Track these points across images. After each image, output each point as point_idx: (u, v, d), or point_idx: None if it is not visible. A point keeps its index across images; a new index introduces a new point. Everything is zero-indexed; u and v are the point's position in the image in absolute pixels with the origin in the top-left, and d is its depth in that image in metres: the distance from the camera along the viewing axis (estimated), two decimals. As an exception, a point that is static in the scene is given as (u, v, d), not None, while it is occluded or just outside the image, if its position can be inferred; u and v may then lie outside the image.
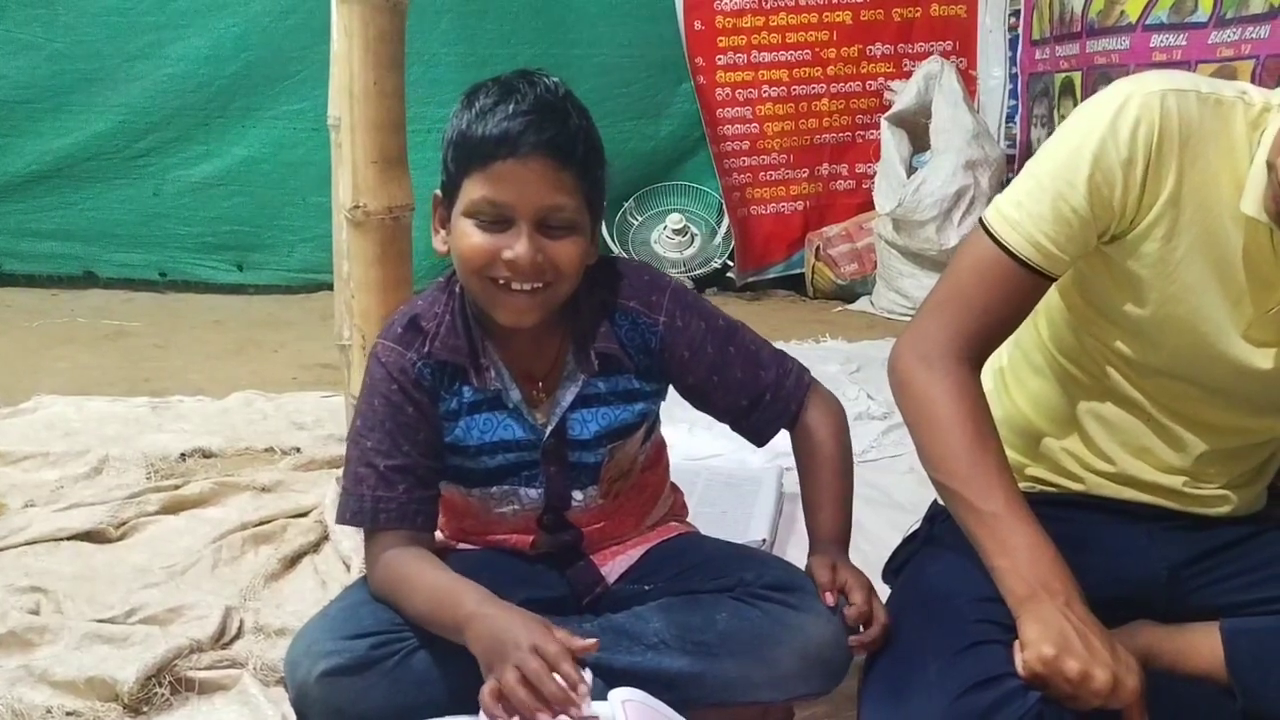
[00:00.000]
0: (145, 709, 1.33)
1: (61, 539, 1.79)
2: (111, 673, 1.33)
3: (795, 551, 1.81)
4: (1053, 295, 1.21)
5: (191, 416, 2.53)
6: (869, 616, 1.19)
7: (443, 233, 1.21)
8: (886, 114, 4.05)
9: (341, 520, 1.24)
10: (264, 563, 1.73)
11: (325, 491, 1.93)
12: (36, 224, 4.11)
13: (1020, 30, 4.04)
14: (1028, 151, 3.96)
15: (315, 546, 1.81)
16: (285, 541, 1.81)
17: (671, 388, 1.34)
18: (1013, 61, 4.11)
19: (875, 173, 4.11)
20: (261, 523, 1.86)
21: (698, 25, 4.14)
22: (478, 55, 4.00)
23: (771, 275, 4.40)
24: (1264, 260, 1.09)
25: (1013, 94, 4.13)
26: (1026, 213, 1.11)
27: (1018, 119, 4.10)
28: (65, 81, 3.97)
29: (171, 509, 1.93)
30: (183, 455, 2.23)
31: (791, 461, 2.09)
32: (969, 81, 4.15)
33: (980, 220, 1.16)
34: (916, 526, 1.43)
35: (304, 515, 1.90)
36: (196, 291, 4.20)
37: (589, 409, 1.26)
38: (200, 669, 1.39)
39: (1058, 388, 1.26)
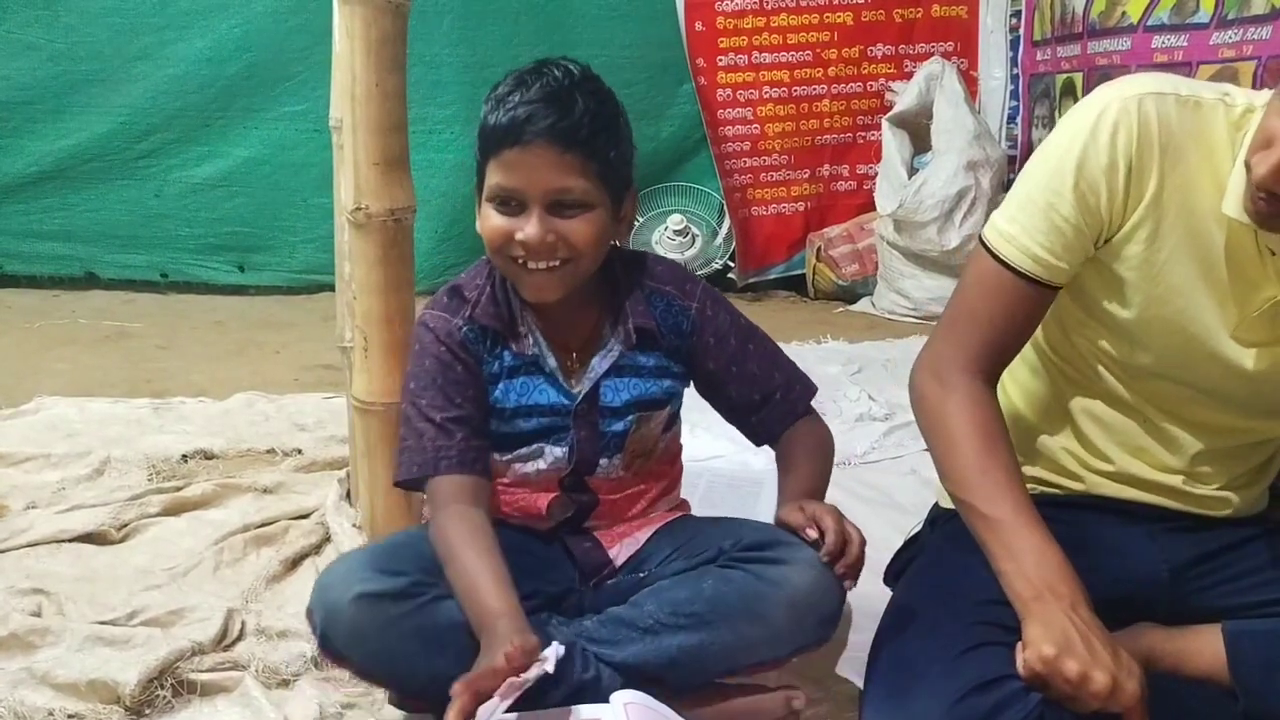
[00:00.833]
0: (147, 711, 1.33)
1: (63, 541, 1.79)
2: (113, 675, 1.33)
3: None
4: None
5: (193, 418, 2.53)
6: (844, 543, 1.21)
7: (480, 214, 1.30)
8: (888, 115, 4.05)
9: (407, 475, 1.29)
10: (266, 564, 1.73)
11: (327, 493, 1.93)
12: (38, 225, 4.10)
13: (1021, 31, 4.04)
14: (1029, 152, 3.96)
15: (317, 548, 1.81)
16: (287, 543, 1.81)
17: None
18: (1014, 62, 4.11)
19: (876, 173, 4.11)
20: (263, 524, 1.86)
21: (699, 26, 4.14)
22: (479, 57, 4.00)
23: (772, 276, 4.40)
24: (1248, 261, 1.10)
25: (1014, 95, 4.13)
26: (1021, 227, 1.14)
27: (1019, 120, 4.10)
28: (66, 82, 3.97)
29: (173, 510, 1.93)
30: (184, 457, 2.23)
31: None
32: (970, 82, 4.15)
33: (979, 238, 1.19)
34: (917, 529, 1.43)
35: (306, 517, 1.90)
36: (198, 292, 4.19)
37: (621, 378, 1.34)
38: (202, 671, 1.39)
39: (1053, 388, 1.27)
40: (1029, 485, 1.26)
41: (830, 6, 4.20)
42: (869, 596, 1.56)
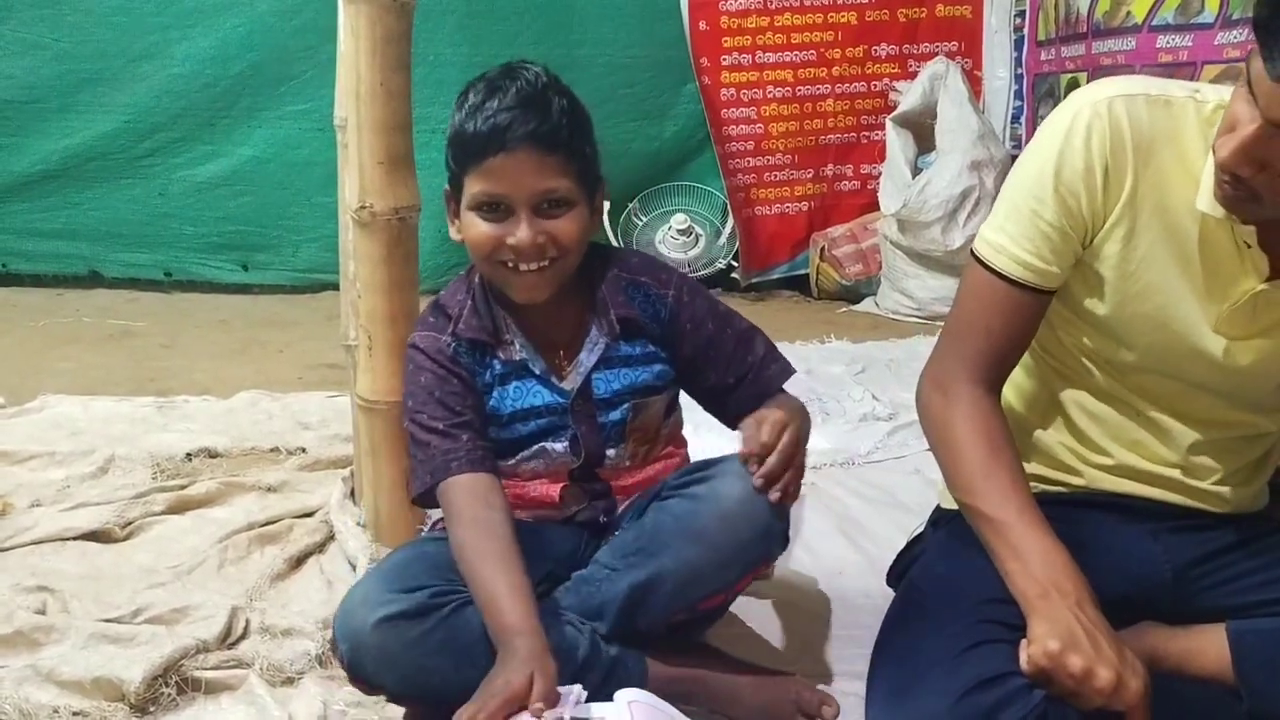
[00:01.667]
0: (151, 709, 1.33)
1: (68, 539, 1.79)
2: (118, 673, 1.34)
3: (801, 553, 1.81)
4: None
5: (197, 416, 2.54)
6: (766, 448, 1.22)
7: (456, 223, 1.31)
8: (891, 115, 4.04)
9: (422, 486, 1.30)
10: (270, 563, 1.73)
11: (331, 491, 1.93)
12: (42, 224, 4.10)
13: (1026, 31, 4.03)
14: (1033, 152, 3.96)
15: (321, 546, 1.81)
16: (291, 541, 1.81)
17: None
18: (1018, 62, 4.11)
19: (880, 173, 4.11)
20: (267, 523, 1.86)
21: (702, 26, 4.14)
22: (483, 56, 3.99)
23: (776, 276, 4.40)
24: (1225, 255, 1.12)
25: (1018, 95, 4.12)
26: (1009, 236, 1.16)
27: (1023, 120, 4.09)
28: (71, 81, 3.97)
29: (177, 509, 1.93)
30: (188, 455, 2.23)
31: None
32: (974, 82, 4.14)
33: (971, 250, 1.21)
34: (920, 529, 1.43)
35: (310, 515, 1.90)
36: (202, 291, 4.19)
37: (611, 370, 1.36)
38: (206, 669, 1.39)
39: (1045, 384, 1.29)
40: (1029, 482, 1.26)
41: (834, 6, 4.20)
42: (871, 596, 1.56)
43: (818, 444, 1.79)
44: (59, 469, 2.13)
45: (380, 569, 1.28)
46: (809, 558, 1.79)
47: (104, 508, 1.89)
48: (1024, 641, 1.05)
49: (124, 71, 3.98)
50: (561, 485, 1.39)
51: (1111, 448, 1.25)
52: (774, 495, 1.22)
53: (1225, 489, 1.24)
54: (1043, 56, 3.93)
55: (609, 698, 1.13)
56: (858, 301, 4.13)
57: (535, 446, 1.35)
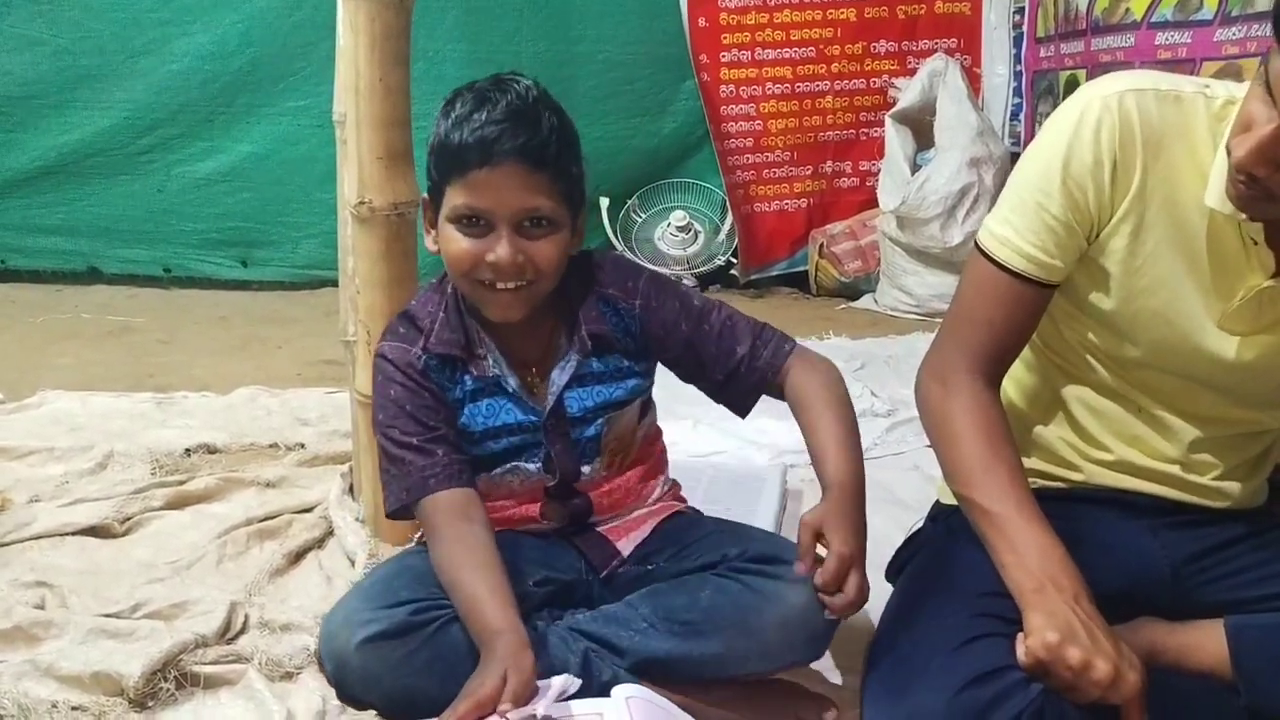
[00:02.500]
0: (150, 704, 1.33)
1: (67, 534, 1.79)
2: (117, 667, 1.33)
3: (799, 548, 1.81)
4: None
5: (196, 412, 2.54)
6: (839, 582, 1.13)
7: (433, 233, 1.28)
8: (891, 111, 4.04)
9: (398, 503, 1.27)
10: (269, 558, 1.73)
11: (329, 487, 1.93)
12: (41, 220, 4.10)
13: (1025, 28, 4.03)
14: (1032, 149, 3.96)
15: (320, 542, 1.81)
16: (290, 537, 1.81)
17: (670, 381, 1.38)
18: (1017, 59, 4.10)
19: (879, 170, 4.11)
20: (266, 518, 1.86)
21: (702, 22, 4.13)
22: (482, 52, 4.00)
23: (775, 272, 4.40)
24: (1231, 251, 1.11)
25: (1017, 91, 4.12)
26: (1013, 229, 1.16)
27: (1022, 116, 4.09)
28: (69, 77, 3.97)
29: (176, 504, 1.94)
30: (187, 451, 2.23)
31: (795, 459, 2.11)
32: (973, 79, 4.14)
33: (975, 242, 1.20)
34: (919, 525, 1.43)
35: (309, 511, 1.90)
36: (201, 287, 4.20)
37: (584, 387, 1.33)
38: (205, 664, 1.39)
39: (1047, 379, 1.29)
40: (1029, 478, 1.27)
41: (833, 3, 4.20)
42: (870, 592, 1.55)
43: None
44: (58, 465, 2.13)
45: (362, 585, 1.27)
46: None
47: (103, 503, 1.89)
48: (1021, 634, 1.05)
49: (122, 67, 3.98)
50: (540, 504, 1.37)
51: (1112, 443, 1.25)
52: (833, 616, 1.17)
53: (1225, 485, 1.24)
54: (1042, 53, 3.93)
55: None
56: (856, 298, 4.13)
57: (509, 465, 1.33)
